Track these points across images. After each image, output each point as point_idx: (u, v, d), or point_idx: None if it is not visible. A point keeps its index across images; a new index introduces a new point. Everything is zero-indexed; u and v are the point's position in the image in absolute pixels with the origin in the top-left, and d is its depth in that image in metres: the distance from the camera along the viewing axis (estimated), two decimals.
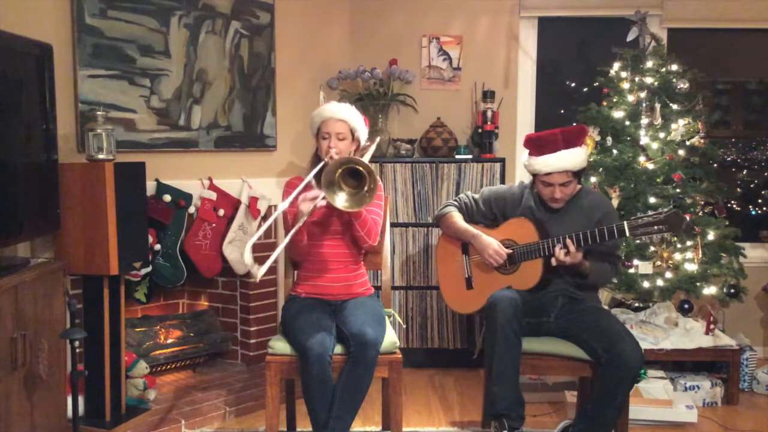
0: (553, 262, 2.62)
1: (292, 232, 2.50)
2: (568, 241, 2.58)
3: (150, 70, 3.13)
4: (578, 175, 2.73)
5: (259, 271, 2.38)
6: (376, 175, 2.42)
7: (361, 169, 2.41)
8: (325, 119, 2.66)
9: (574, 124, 3.81)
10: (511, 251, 2.76)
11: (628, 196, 3.47)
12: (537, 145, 2.71)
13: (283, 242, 2.53)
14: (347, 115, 2.66)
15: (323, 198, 2.46)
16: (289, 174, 3.46)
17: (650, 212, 2.57)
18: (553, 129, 2.74)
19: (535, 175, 2.77)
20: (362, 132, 2.72)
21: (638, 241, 3.27)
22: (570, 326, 2.66)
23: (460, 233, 2.89)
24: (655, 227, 2.51)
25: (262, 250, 3.25)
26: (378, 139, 3.05)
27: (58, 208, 2.65)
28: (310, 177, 2.59)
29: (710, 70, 4.06)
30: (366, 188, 2.42)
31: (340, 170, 2.42)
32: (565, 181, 2.68)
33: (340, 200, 2.43)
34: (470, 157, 3.82)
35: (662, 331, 3.39)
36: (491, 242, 2.77)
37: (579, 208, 2.76)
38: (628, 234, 2.55)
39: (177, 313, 3.80)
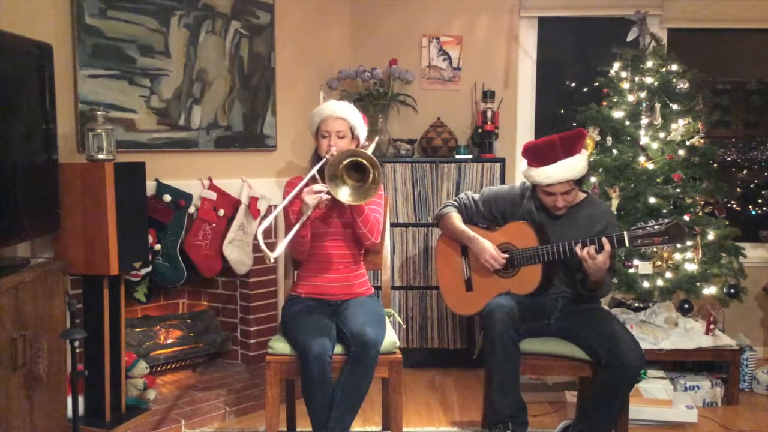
0: (580, 252, 2.53)
1: (298, 224, 2.48)
2: (605, 239, 2.50)
3: (150, 70, 3.13)
4: (579, 181, 2.70)
5: (273, 254, 2.30)
6: (380, 167, 2.40)
7: (364, 161, 2.41)
8: (325, 118, 2.66)
9: (574, 124, 3.83)
10: (508, 256, 2.75)
11: (628, 196, 3.46)
12: (535, 156, 2.67)
13: (292, 231, 2.47)
14: (346, 113, 2.67)
15: (327, 192, 2.45)
16: (289, 174, 3.46)
17: (651, 222, 2.51)
18: (551, 135, 2.68)
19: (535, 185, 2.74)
20: (362, 130, 2.72)
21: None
22: (570, 327, 2.65)
23: (458, 235, 2.87)
24: (656, 239, 2.47)
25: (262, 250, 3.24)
26: (377, 138, 3.03)
27: (58, 208, 2.64)
28: (312, 173, 2.58)
29: (710, 70, 4.06)
30: (371, 178, 2.40)
31: (344, 162, 2.41)
32: (566, 190, 2.66)
33: (344, 194, 2.42)
34: (470, 157, 3.82)
35: (662, 331, 3.38)
36: (487, 246, 2.76)
37: (581, 217, 2.73)
38: (627, 244, 2.52)
39: (177, 313, 3.79)
